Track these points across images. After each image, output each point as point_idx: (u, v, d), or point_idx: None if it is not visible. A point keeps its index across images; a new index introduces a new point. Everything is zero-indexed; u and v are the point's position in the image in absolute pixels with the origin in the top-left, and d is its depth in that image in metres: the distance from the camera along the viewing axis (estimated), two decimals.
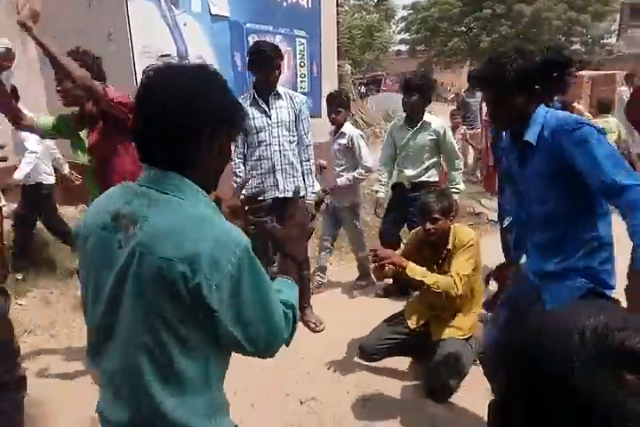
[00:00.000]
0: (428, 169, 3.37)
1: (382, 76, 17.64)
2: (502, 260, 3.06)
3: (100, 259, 0.97)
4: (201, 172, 0.97)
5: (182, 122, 0.91)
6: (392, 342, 2.74)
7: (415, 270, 2.41)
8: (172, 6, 4.56)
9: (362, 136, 3.56)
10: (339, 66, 8.12)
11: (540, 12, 22.18)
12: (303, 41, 6.33)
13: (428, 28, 25.72)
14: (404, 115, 3.40)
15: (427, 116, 3.32)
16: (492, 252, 3.26)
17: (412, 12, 26.82)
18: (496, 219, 4.51)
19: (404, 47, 28.72)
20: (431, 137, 3.30)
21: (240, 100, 2.92)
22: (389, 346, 2.75)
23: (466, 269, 2.46)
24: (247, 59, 2.86)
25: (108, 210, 0.96)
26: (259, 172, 2.92)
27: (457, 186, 3.40)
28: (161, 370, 0.93)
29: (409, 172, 3.39)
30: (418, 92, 3.20)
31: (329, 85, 7.09)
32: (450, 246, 2.58)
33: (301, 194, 3.01)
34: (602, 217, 1.69)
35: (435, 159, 3.39)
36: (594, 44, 23.54)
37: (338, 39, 7.69)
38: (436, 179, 3.45)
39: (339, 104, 3.51)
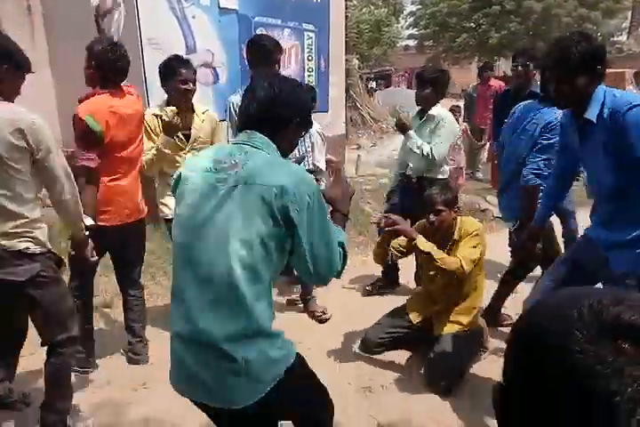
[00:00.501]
0: (433, 164, 3.25)
1: (390, 71, 17.56)
2: (508, 256, 3.09)
3: (200, 191, 1.30)
4: (280, 147, 1.37)
5: (285, 112, 1.35)
6: (394, 336, 2.77)
7: (424, 242, 2.48)
8: None
9: (320, 133, 3.37)
10: (346, 60, 8.11)
11: (550, 8, 21.95)
12: (311, 35, 6.32)
13: (437, 24, 25.50)
14: (419, 108, 3.32)
15: (434, 109, 3.23)
16: (498, 248, 3.27)
17: (420, 7, 26.60)
18: (501, 215, 4.51)
19: (412, 42, 28.50)
20: (429, 127, 3.21)
21: (239, 94, 2.86)
22: (391, 339, 2.77)
23: (471, 253, 2.48)
24: (246, 55, 2.85)
25: (211, 159, 1.33)
26: None
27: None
28: (250, 275, 1.23)
29: (414, 165, 3.31)
30: (431, 86, 3.14)
31: (337, 80, 7.08)
32: (456, 237, 2.59)
33: None
34: None
35: None
36: (604, 42, 23.29)
37: (346, 34, 7.68)
38: (444, 176, 3.33)
39: None
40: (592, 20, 22.36)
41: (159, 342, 2.76)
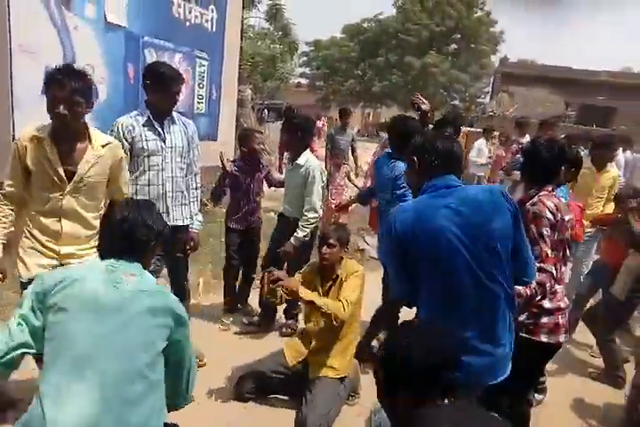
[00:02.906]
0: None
1: (282, 105, 17.97)
2: (379, 295, 3.19)
3: (95, 304, 1.42)
4: (145, 265, 1.59)
5: (144, 238, 1.57)
6: (268, 382, 2.68)
7: (306, 293, 2.52)
8: (63, 7, 4.22)
9: None
10: (239, 90, 8.10)
11: (428, 66, 24.49)
12: (204, 63, 6.24)
13: (327, 67, 27.02)
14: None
15: (302, 157, 3.29)
16: (373, 288, 3.37)
17: (313, 48, 28.01)
18: (377, 256, 4.69)
19: (304, 80, 29.72)
20: (300, 178, 3.29)
21: (133, 118, 2.63)
22: (265, 385, 2.67)
23: (353, 295, 2.57)
24: (144, 78, 2.66)
25: (99, 271, 1.49)
26: (146, 197, 2.70)
27: (299, 234, 3.24)
28: (146, 383, 1.40)
29: (288, 208, 3.40)
30: (292, 130, 3.23)
31: (228, 109, 7.02)
32: (339, 273, 2.72)
33: (187, 223, 2.86)
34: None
35: None
36: (471, 102, 26.43)
37: (240, 64, 7.71)
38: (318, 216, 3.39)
39: None
40: (462, 82, 25.35)
41: None
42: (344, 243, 2.73)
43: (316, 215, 3.30)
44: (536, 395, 2.85)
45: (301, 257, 3.37)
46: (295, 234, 3.24)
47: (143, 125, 2.65)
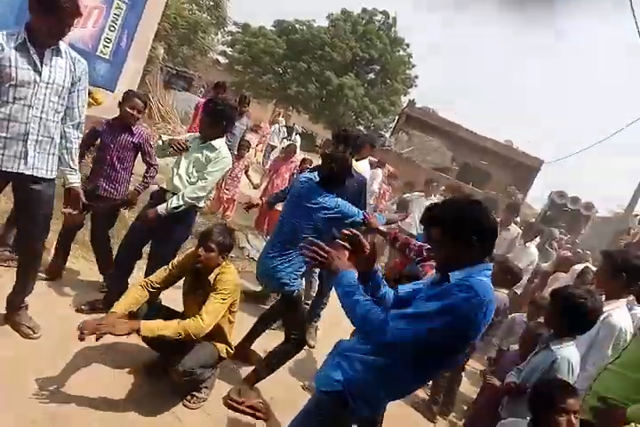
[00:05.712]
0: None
1: (193, 76, 16.92)
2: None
3: None
4: None
5: None
6: None
7: (151, 329, 2.25)
8: None
9: None
10: (152, 47, 7.37)
11: (343, 86, 25.08)
12: (123, 6, 5.53)
13: (251, 54, 26.25)
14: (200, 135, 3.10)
15: (219, 140, 3.04)
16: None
17: (240, 31, 27.09)
18: (256, 257, 4.42)
19: (223, 59, 28.49)
20: (206, 158, 2.98)
21: (4, 36, 2.10)
22: None
23: (218, 311, 2.44)
24: None
25: None
26: (2, 134, 2.20)
27: (173, 203, 2.90)
28: None
29: (176, 184, 3.00)
30: (213, 117, 2.97)
31: (136, 62, 6.30)
32: (211, 278, 2.53)
33: (51, 176, 2.41)
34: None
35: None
36: (375, 132, 27.61)
37: (161, 20, 7.02)
38: (202, 205, 3.11)
39: None
40: (370, 111, 26.36)
41: None
42: (224, 250, 2.52)
43: (203, 195, 3.02)
44: None
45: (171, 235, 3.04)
46: (168, 202, 2.86)
47: (15, 49, 2.13)
